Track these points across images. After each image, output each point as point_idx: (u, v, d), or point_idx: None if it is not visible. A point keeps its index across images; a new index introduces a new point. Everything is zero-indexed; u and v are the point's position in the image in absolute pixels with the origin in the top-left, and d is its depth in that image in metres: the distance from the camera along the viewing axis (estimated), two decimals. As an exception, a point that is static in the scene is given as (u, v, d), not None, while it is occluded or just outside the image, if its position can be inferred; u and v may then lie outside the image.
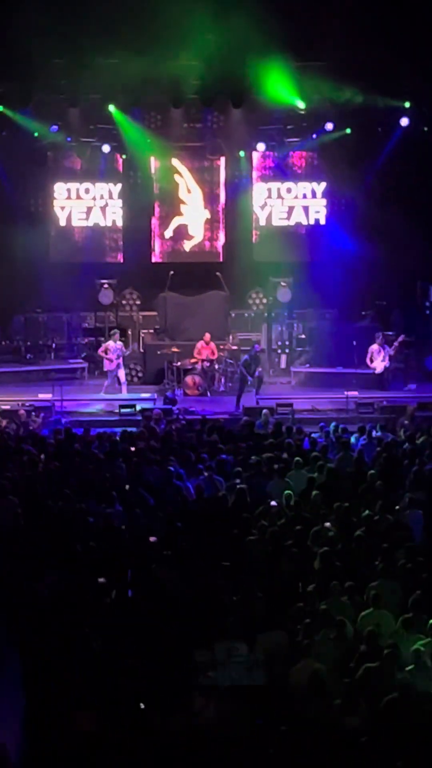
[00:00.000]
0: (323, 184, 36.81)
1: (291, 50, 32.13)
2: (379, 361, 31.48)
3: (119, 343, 32.03)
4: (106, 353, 31.72)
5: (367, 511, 19.13)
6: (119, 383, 31.63)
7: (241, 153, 36.93)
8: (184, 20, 30.01)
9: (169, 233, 37.29)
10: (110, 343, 31.85)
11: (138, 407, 28.67)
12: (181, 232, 37.29)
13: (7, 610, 16.54)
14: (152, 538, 18.18)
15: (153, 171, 37.09)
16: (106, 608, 15.89)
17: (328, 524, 18.61)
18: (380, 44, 30.40)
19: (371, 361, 31.70)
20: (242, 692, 13.82)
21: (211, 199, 37.20)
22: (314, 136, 35.80)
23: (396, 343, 31.57)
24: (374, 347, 31.59)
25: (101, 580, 16.38)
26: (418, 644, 14.55)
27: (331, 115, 34.65)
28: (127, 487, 20.75)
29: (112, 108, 34.18)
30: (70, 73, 33.34)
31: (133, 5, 28.94)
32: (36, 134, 34.99)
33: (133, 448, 23.15)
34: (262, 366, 31.97)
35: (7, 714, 15.32)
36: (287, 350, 34.70)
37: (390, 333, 34.22)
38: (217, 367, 32.34)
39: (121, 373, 31.72)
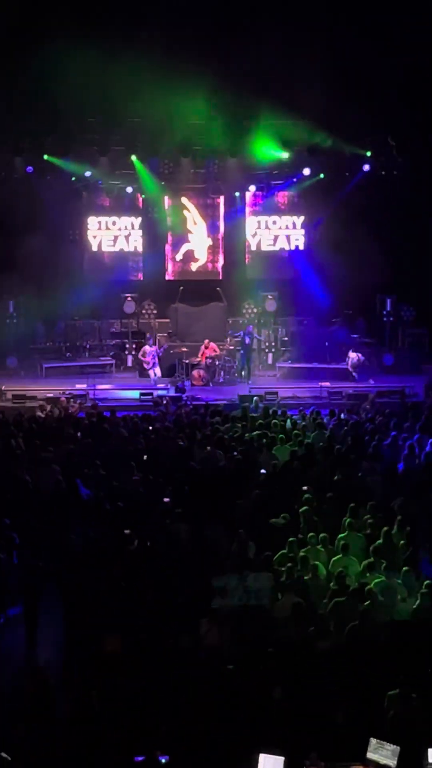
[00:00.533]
0: (302, 217, 36.73)
1: (275, 111, 32.17)
2: (351, 362, 31.84)
3: (154, 346, 32.11)
4: (144, 356, 31.83)
5: (336, 477, 19.16)
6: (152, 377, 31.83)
7: (237, 193, 36.84)
8: (191, 90, 30.07)
9: (179, 256, 37.20)
10: (146, 348, 31.94)
11: (155, 395, 28.72)
12: (189, 256, 37.20)
13: (50, 556, 16.59)
14: (166, 499, 18.20)
15: (166, 207, 36.98)
16: (130, 554, 15.89)
17: (305, 488, 18.61)
18: (347, 107, 30.37)
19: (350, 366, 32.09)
20: (238, 620, 13.84)
21: (212, 229, 37.11)
22: (294, 179, 35.74)
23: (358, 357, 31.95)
24: (351, 354, 32.06)
25: (126, 531, 16.37)
26: (375, 582, 14.62)
27: (308, 163, 34.58)
28: (145, 457, 20.78)
29: (133, 158, 34.11)
30: (101, 128, 33.41)
31: (150, 80, 28.83)
32: (73, 178, 34.96)
33: (150, 428, 23.18)
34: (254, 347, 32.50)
35: (49, 641, 15.41)
36: (273, 349, 34.64)
37: (354, 336, 34.24)
38: (217, 363, 32.31)
39: (156, 370, 31.79)
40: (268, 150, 33.89)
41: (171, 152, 34.51)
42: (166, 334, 35.24)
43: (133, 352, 34.42)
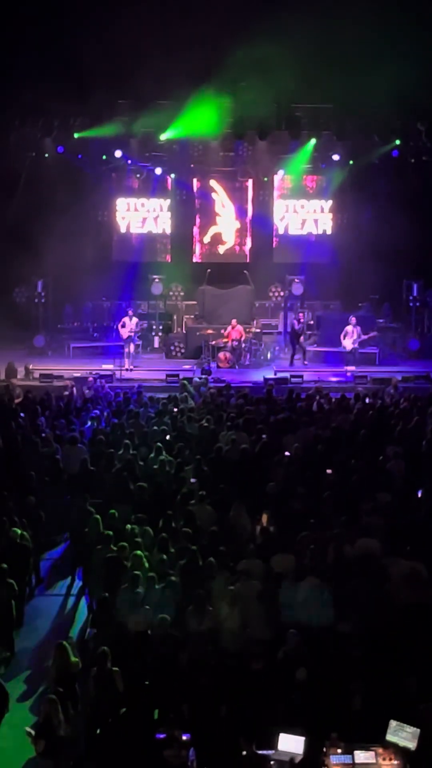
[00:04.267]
0: (330, 202, 36.72)
1: (305, 96, 32.06)
2: (349, 341, 31.10)
3: (135, 319, 31.45)
4: (123, 327, 31.20)
5: (359, 461, 19.15)
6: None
7: (265, 177, 36.82)
8: (221, 73, 29.99)
9: (207, 239, 37.21)
10: (126, 319, 31.34)
11: (181, 377, 28.70)
12: (217, 239, 37.21)
13: (78, 536, 16.67)
14: (193, 480, 18.20)
15: (195, 190, 37.01)
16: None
17: (329, 471, 18.61)
18: (377, 92, 30.16)
19: (343, 338, 31.15)
20: (259, 602, 13.86)
21: (240, 213, 37.08)
22: (323, 164, 35.69)
23: (368, 336, 31.23)
24: (348, 328, 31.04)
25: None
26: (400, 565, 14.59)
27: (337, 148, 34.53)
28: (168, 437, 20.76)
29: (164, 136, 34.02)
30: (131, 111, 33.35)
31: (180, 61, 28.74)
32: (104, 156, 34.98)
33: (176, 409, 23.18)
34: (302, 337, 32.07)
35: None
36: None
37: (380, 320, 34.12)
38: (243, 346, 32.25)
39: (131, 347, 31.23)
40: (297, 134, 33.73)
41: (200, 135, 34.36)
42: (192, 316, 35.27)
43: (160, 334, 34.45)
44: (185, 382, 26.42)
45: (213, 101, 31.81)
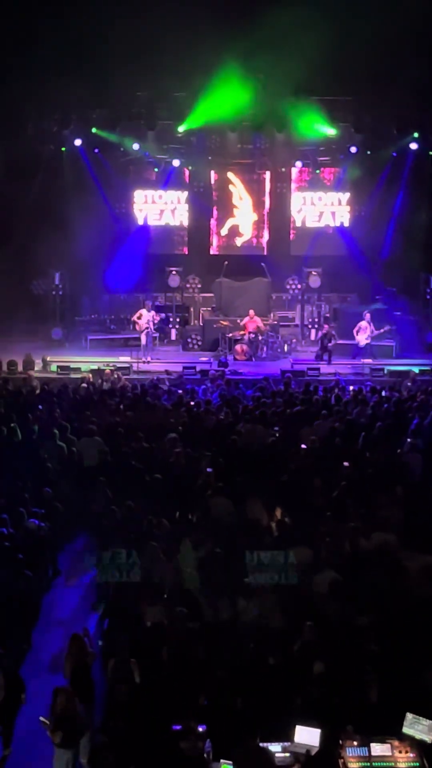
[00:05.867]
0: (347, 194, 36.63)
1: (324, 88, 31.99)
2: (363, 336, 31.18)
3: (152, 312, 31.91)
4: (139, 319, 31.55)
5: (376, 454, 19.13)
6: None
7: (283, 168, 36.78)
8: (239, 65, 29.97)
9: (224, 231, 37.18)
10: (143, 311, 31.73)
11: (198, 369, 28.72)
12: (234, 231, 37.18)
13: (92, 529, 16.70)
14: (209, 469, 18.19)
15: (212, 182, 36.99)
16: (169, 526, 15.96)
17: (346, 463, 18.61)
18: (395, 84, 30.11)
19: (357, 333, 31.32)
20: (275, 595, 13.87)
21: (258, 205, 37.04)
22: (341, 156, 35.60)
23: (381, 330, 31.18)
24: (362, 324, 31.28)
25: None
26: (419, 559, 14.57)
27: (355, 140, 34.47)
28: (182, 429, 20.77)
29: (181, 129, 34.01)
30: (149, 103, 33.36)
31: (199, 56, 28.71)
32: (122, 149, 34.98)
33: (192, 402, 23.20)
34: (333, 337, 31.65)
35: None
36: (316, 326, 34.52)
37: (397, 313, 34.06)
38: (260, 338, 32.23)
39: (143, 337, 31.46)
40: (315, 126, 33.66)
41: (218, 126, 34.29)
42: (209, 309, 35.27)
43: (177, 326, 34.52)
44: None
45: (232, 92, 31.73)
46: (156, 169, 36.33)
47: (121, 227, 36.33)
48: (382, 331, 31.07)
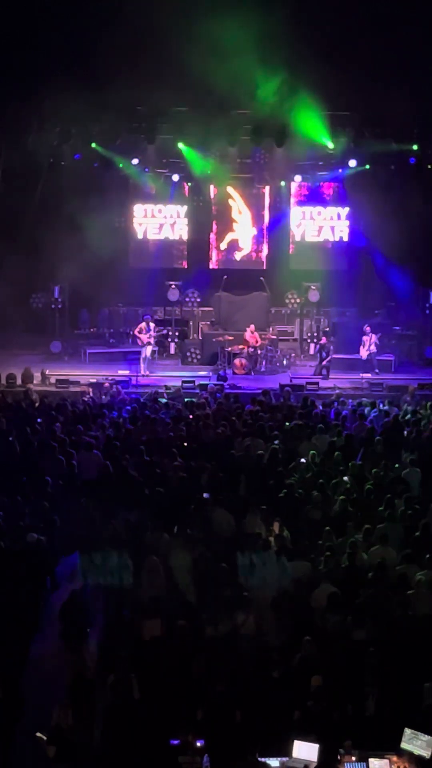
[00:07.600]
0: (347, 209, 36.62)
1: (323, 102, 32.04)
2: (364, 349, 31.33)
3: (152, 324, 31.92)
4: (140, 333, 31.57)
5: (375, 469, 19.13)
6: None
7: (282, 183, 36.82)
8: (238, 79, 29.99)
9: (223, 245, 37.21)
10: (142, 324, 31.70)
11: (197, 383, 28.71)
12: (233, 245, 37.20)
13: (92, 543, 16.67)
14: (206, 495, 18.14)
15: (212, 196, 37.01)
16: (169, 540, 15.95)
17: (345, 478, 18.61)
18: (394, 98, 30.17)
19: (362, 347, 31.45)
20: (274, 609, 13.87)
21: (257, 219, 37.08)
22: (340, 170, 35.61)
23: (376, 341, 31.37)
24: (365, 338, 31.45)
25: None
26: (418, 575, 14.57)
27: (354, 154, 34.50)
28: (185, 444, 20.80)
29: (181, 145, 34.08)
30: (149, 117, 33.41)
31: (198, 70, 28.74)
32: (120, 165, 35.02)
33: (191, 416, 23.20)
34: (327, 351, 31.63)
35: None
36: (315, 340, 34.53)
37: (396, 328, 34.09)
38: (259, 352, 32.26)
39: (147, 350, 31.48)
40: (315, 141, 33.71)
41: (218, 141, 34.34)
42: (208, 323, 35.28)
43: (176, 340, 34.53)
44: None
45: (230, 108, 31.84)
46: (155, 184, 36.36)
47: (120, 241, 36.33)
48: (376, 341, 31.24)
